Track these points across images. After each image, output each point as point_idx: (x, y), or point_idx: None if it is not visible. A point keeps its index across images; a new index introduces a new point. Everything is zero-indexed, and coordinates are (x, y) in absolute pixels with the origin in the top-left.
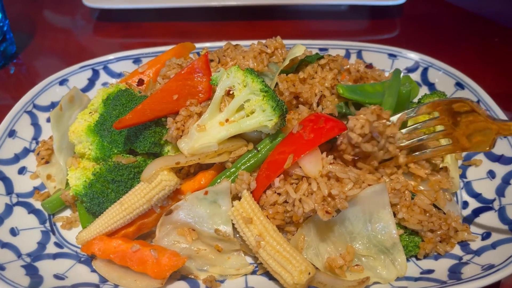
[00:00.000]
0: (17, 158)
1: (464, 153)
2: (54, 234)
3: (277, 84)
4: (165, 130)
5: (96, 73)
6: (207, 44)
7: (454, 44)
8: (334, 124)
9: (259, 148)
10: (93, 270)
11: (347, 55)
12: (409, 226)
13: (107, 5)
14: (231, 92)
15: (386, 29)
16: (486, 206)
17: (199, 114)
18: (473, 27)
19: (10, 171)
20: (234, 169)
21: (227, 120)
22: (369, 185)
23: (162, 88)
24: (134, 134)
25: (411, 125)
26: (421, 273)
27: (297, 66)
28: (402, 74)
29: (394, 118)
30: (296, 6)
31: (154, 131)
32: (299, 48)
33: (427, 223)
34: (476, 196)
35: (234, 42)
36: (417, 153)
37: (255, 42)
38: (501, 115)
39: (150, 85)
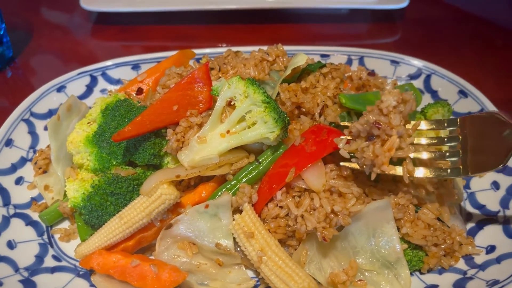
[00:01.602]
0: (14, 168)
1: None
2: (52, 246)
3: (278, 93)
4: (165, 142)
5: (94, 80)
6: (207, 50)
7: (456, 48)
8: (337, 136)
9: (260, 160)
10: (92, 285)
11: (349, 61)
12: (413, 241)
13: (105, 8)
14: (232, 103)
15: (388, 33)
16: (490, 218)
17: (200, 125)
18: (476, 31)
19: (7, 181)
20: (235, 181)
21: (228, 132)
22: (373, 199)
23: (162, 99)
24: (134, 146)
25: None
26: None
27: (299, 75)
28: (404, 81)
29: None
30: (296, 10)
31: (153, 143)
32: (301, 57)
33: (431, 237)
34: (480, 207)
35: (234, 48)
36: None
37: (256, 48)
38: None
39: (149, 94)
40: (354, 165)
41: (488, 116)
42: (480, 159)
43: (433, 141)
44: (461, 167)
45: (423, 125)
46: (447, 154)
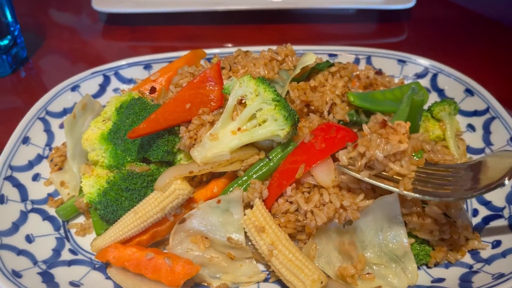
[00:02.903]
0: (31, 165)
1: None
2: (68, 240)
3: (288, 92)
4: (178, 139)
5: (107, 79)
6: (217, 50)
7: (463, 47)
8: (346, 134)
9: (270, 157)
10: (108, 277)
11: (357, 61)
12: (420, 236)
13: (115, 9)
14: (243, 101)
15: (394, 33)
16: (496, 214)
17: (212, 123)
18: (482, 30)
19: (24, 177)
20: (246, 177)
21: (239, 129)
22: (381, 195)
23: (175, 97)
24: (148, 143)
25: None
26: (432, 281)
27: (308, 74)
28: (411, 80)
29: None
30: (304, 10)
31: (167, 140)
32: (310, 56)
33: (438, 232)
34: (486, 204)
35: (244, 48)
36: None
37: (265, 48)
38: (510, 120)
39: (162, 93)
40: (354, 173)
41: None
42: (481, 182)
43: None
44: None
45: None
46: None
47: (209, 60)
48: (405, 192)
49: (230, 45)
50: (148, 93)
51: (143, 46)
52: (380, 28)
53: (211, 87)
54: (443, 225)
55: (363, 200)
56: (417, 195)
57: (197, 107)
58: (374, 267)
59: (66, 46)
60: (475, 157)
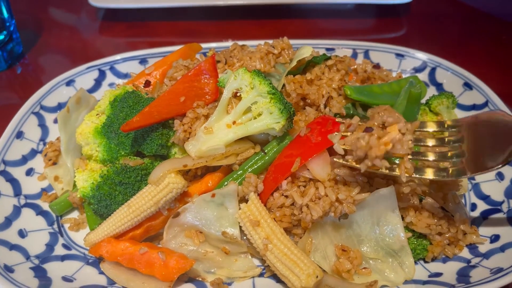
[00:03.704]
0: (24, 159)
1: None
2: (62, 235)
3: (284, 85)
4: (172, 132)
5: (102, 74)
6: (213, 45)
7: (462, 42)
8: None
9: (266, 151)
10: (101, 272)
11: (354, 55)
12: (417, 230)
13: (113, 4)
14: (238, 94)
15: (393, 28)
16: (494, 208)
17: (206, 116)
18: (481, 25)
19: (18, 172)
20: (241, 171)
21: (234, 123)
22: (377, 188)
23: (169, 90)
24: (141, 136)
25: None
26: (429, 276)
27: (304, 67)
28: (409, 74)
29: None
30: (302, 5)
31: (161, 133)
32: (307, 49)
33: (435, 226)
34: (485, 198)
35: (240, 42)
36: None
37: (262, 42)
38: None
39: (157, 87)
40: (350, 163)
41: (492, 115)
42: (482, 158)
43: (434, 142)
44: (462, 167)
45: (424, 125)
46: (448, 154)
47: (205, 54)
48: (407, 175)
49: (227, 40)
50: (142, 87)
51: (141, 42)
52: (378, 23)
53: (206, 80)
54: (440, 219)
55: (359, 194)
56: (419, 176)
57: (192, 100)
58: (371, 261)
59: (62, 42)
60: None
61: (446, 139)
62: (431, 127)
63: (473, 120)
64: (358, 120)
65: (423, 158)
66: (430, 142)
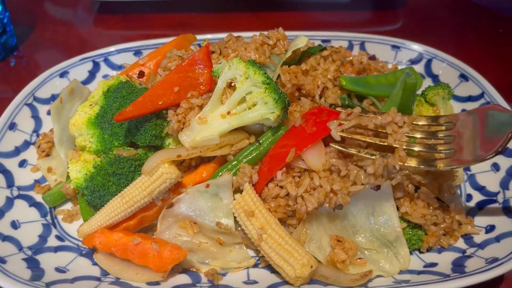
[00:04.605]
0: (17, 151)
1: None
2: (55, 227)
3: (279, 76)
4: (166, 123)
5: (96, 65)
6: (208, 36)
7: (458, 35)
8: (337, 118)
9: (261, 141)
10: (95, 263)
11: (350, 47)
12: (413, 220)
13: None
14: (232, 84)
15: (389, 21)
16: (490, 199)
17: (200, 107)
18: (477, 18)
19: (11, 164)
20: (235, 162)
21: (228, 113)
22: None
23: (163, 80)
24: (135, 127)
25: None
26: (425, 266)
27: (300, 57)
28: (405, 66)
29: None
30: None
31: (155, 124)
32: (302, 39)
33: (430, 217)
34: (480, 189)
35: (236, 34)
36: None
37: (257, 33)
38: (506, 106)
39: (150, 77)
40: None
41: (486, 108)
42: (475, 148)
43: (428, 135)
44: (455, 158)
45: (420, 120)
46: (442, 144)
47: (199, 45)
48: (401, 164)
49: (223, 32)
50: (136, 77)
51: (135, 34)
52: (375, 16)
53: (200, 70)
54: (435, 209)
55: (354, 185)
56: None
57: (186, 90)
58: (366, 252)
59: (57, 35)
60: None
61: (440, 131)
62: (425, 121)
63: (468, 114)
64: (359, 110)
65: (417, 148)
66: (424, 134)
